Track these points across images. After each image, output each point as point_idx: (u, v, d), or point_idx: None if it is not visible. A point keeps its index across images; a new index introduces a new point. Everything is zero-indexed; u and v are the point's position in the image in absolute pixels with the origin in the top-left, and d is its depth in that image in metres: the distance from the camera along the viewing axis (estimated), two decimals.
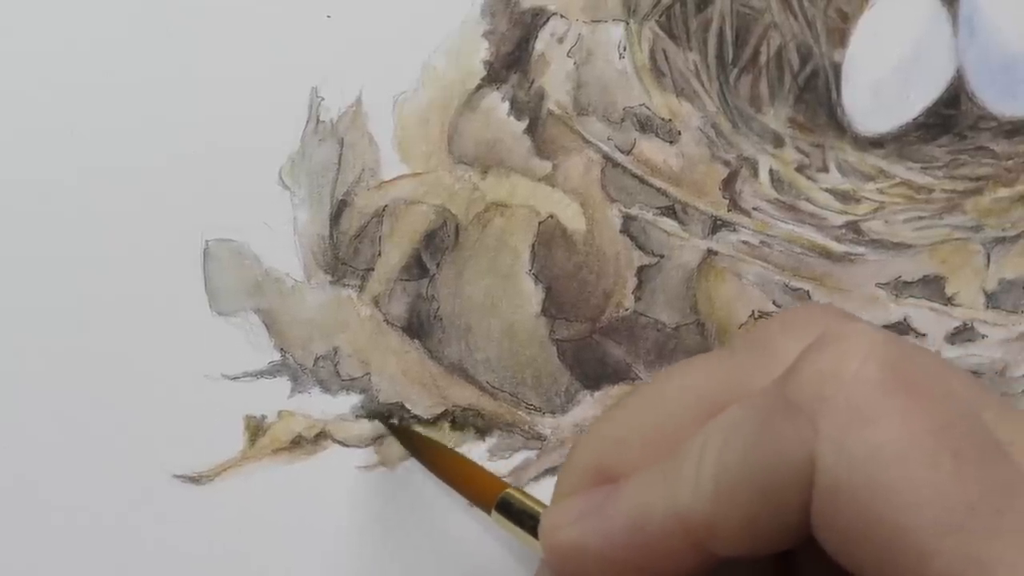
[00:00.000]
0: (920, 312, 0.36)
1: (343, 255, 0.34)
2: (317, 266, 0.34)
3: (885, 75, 0.35)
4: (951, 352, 0.36)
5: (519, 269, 0.35)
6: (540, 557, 0.25)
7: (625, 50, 0.35)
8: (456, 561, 0.34)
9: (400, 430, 0.34)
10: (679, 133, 0.35)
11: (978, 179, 0.36)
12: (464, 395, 0.35)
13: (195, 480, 0.33)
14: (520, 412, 0.35)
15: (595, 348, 0.35)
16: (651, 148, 0.35)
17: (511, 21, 0.34)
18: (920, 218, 0.36)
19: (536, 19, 0.34)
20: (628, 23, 0.35)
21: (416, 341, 0.34)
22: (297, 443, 0.34)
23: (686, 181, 0.35)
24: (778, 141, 0.35)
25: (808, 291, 0.35)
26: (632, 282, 0.35)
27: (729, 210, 0.35)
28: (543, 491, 0.29)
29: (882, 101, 0.35)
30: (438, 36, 0.34)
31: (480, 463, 0.33)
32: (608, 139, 0.35)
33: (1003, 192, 0.36)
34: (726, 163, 0.35)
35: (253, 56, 0.33)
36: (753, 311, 0.35)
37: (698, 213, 0.35)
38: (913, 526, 0.20)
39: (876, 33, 0.35)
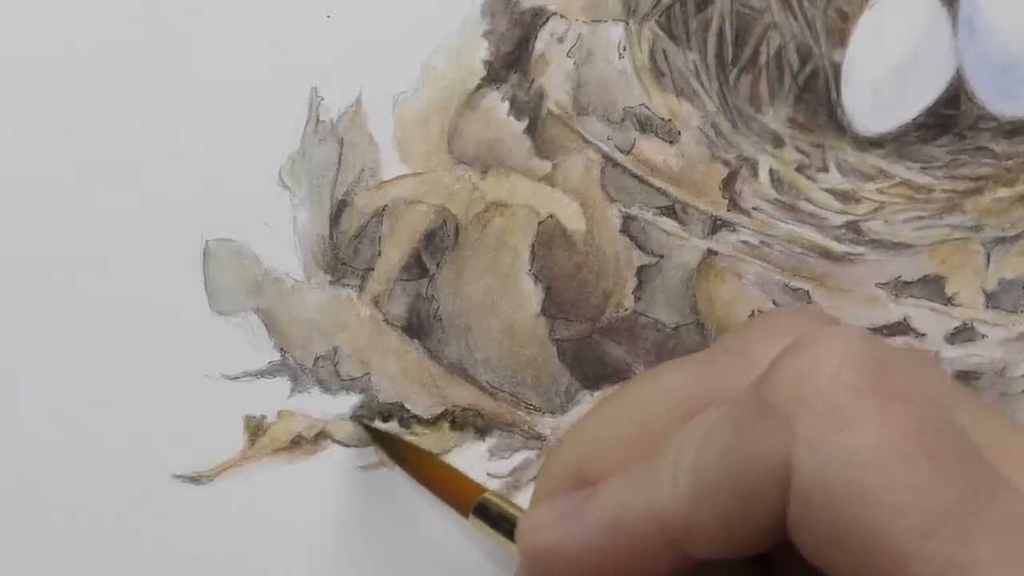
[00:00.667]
0: (920, 312, 0.36)
1: (343, 255, 0.34)
2: (317, 266, 0.34)
3: (885, 75, 0.35)
4: (951, 352, 0.36)
5: (519, 269, 0.35)
6: (518, 561, 0.25)
7: (625, 50, 0.35)
8: (456, 561, 0.34)
9: (380, 435, 0.34)
10: (679, 133, 0.35)
11: (978, 179, 0.36)
12: (464, 395, 0.35)
13: (195, 480, 0.33)
14: (520, 412, 0.35)
15: (595, 348, 0.35)
16: (651, 148, 0.35)
17: (511, 21, 0.34)
18: (920, 218, 0.36)
19: (536, 19, 0.34)
20: (628, 23, 0.35)
21: (416, 341, 0.34)
22: (297, 443, 0.34)
23: (686, 181, 0.35)
24: (778, 141, 0.35)
25: (808, 291, 0.35)
26: (632, 282, 0.35)
27: (729, 210, 0.35)
28: None
29: (882, 101, 0.35)
30: (438, 36, 0.34)
31: (478, 463, 0.33)
32: (608, 139, 0.35)
33: (1003, 192, 0.36)
34: (726, 163, 0.35)
35: (253, 56, 0.33)
36: (753, 311, 0.35)
37: (698, 213, 0.35)
38: (891, 529, 0.20)
39: (876, 33, 0.35)
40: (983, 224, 0.36)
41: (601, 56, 0.35)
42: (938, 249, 0.36)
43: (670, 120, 0.35)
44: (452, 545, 0.34)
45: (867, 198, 0.36)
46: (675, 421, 0.23)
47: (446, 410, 0.35)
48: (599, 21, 0.35)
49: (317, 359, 0.34)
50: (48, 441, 0.33)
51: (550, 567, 0.24)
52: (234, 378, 0.33)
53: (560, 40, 0.35)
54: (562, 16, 0.35)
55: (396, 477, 0.34)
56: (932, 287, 0.36)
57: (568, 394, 0.35)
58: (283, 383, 0.34)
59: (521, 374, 0.35)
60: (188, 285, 0.33)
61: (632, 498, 0.23)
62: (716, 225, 0.35)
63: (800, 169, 0.35)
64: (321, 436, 0.34)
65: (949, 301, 0.36)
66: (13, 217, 0.32)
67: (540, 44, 0.35)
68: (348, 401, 0.34)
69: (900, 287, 0.36)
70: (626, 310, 0.35)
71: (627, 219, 0.35)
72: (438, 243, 0.34)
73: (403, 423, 0.34)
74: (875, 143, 0.36)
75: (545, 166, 0.35)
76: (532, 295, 0.35)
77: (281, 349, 0.34)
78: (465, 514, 0.29)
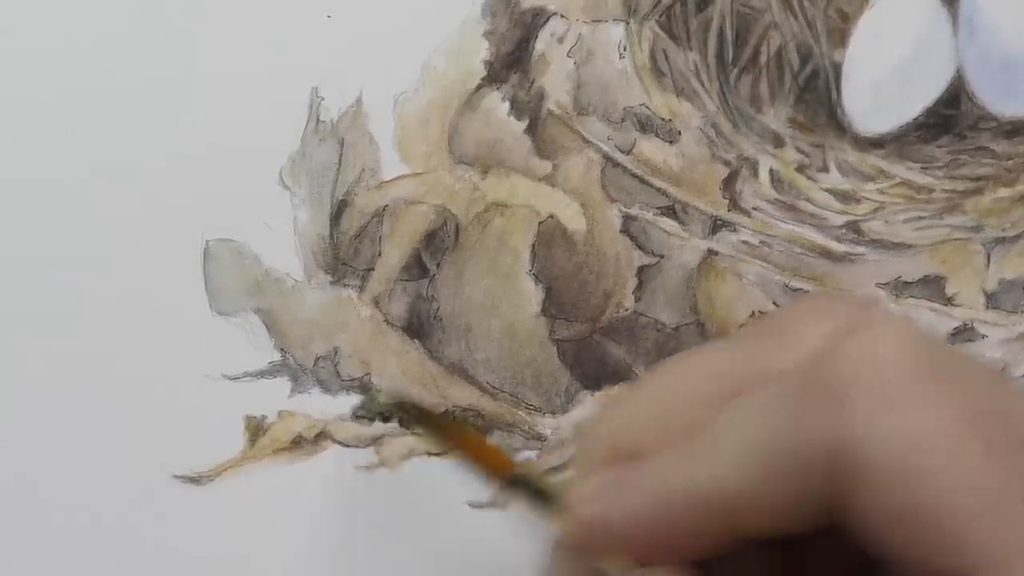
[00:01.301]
0: (920, 312, 0.36)
1: (343, 255, 0.34)
2: (317, 266, 0.34)
3: (885, 75, 0.35)
4: None
5: (519, 269, 0.35)
6: (546, 549, 0.25)
7: (625, 50, 0.35)
8: (456, 561, 0.34)
9: (416, 411, 0.33)
10: (679, 133, 0.35)
11: (978, 179, 0.36)
12: (464, 395, 0.35)
13: (195, 480, 0.33)
14: (520, 412, 0.35)
15: (595, 348, 0.35)
16: (651, 148, 0.35)
17: (511, 21, 0.34)
18: (920, 218, 0.36)
19: (536, 19, 0.34)
20: (628, 23, 0.35)
21: (416, 341, 0.34)
22: (297, 443, 0.34)
23: (686, 181, 0.35)
24: (778, 141, 0.35)
25: (808, 291, 0.35)
26: (632, 282, 0.35)
27: (729, 210, 0.35)
28: None
29: (882, 101, 0.35)
30: (438, 36, 0.34)
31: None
32: (608, 139, 0.35)
33: (1003, 192, 0.36)
34: (726, 163, 0.35)
35: (253, 56, 0.33)
36: (753, 311, 0.35)
37: (698, 213, 0.35)
38: (944, 508, 0.20)
39: (876, 33, 0.35)
40: (983, 224, 0.36)
41: (601, 56, 0.35)
42: (938, 249, 0.36)
43: (670, 120, 0.35)
44: (452, 545, 0.34)
45: (867, 198, 0.36)
46: (716, 399, 0.24)
47: (446, 410, 0.35)
48: (599, 21, 0.35)
49: (317, 359, 0.34)
50: (48, 441, 0.33)
51: (596, 538, 0.24)
52: (235, 378, 0.33)
53: (560, 40, 0.35)
54: (562, 16, 0.35)
55: (396, 477, 0.34)
56: (932, 287, 0.36)
57: (568, 394, 0.35)
58: (283, 383, 0.34)
59: (521, 374, 0.35)
60: (188, 285, 0.33)
61: (681, 473, 0.23)
62: (716, 225, 0.35)
63: (800, 169, 0.35)
64: (321, 436, 0.34)
65: (949, 301, 0.36)
66: (13, 217, 0.33)
67: (540, 44, 0.35)
68: (348, 401, 0.34)
69: (900, 287, 0.36)
70: (626, 310, 0.35)
71: (627, 219, 0.35)
72: (438, 243, 0.34)
73: (403, 423, 0.34)
74: (875, 143, 0.36)
75: (545, 166, 0.35)
76: (532, 295, 0.35)
77: (281, 349, 0.34)
78: (503, 486, 0.29)
